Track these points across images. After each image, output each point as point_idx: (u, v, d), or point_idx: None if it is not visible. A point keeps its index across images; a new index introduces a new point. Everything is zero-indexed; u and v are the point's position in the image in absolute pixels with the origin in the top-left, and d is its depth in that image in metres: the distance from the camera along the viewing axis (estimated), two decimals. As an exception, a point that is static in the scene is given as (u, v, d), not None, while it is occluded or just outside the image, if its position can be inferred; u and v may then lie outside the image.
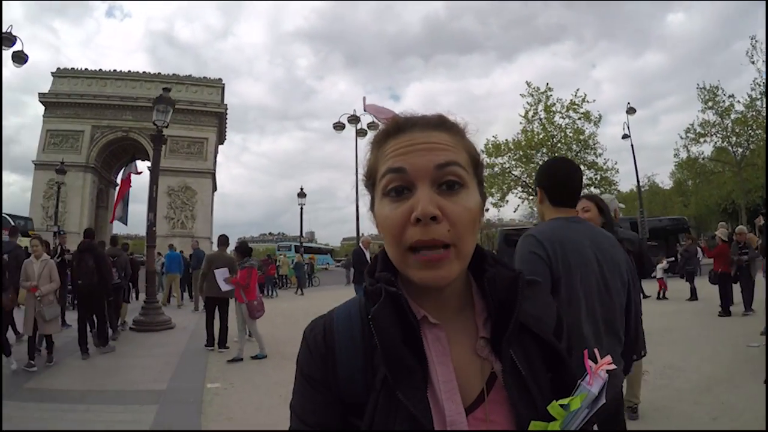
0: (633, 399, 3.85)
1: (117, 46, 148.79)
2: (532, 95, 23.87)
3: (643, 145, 75.64)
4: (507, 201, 25.22)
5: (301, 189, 25.32)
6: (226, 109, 48.91)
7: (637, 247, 3.68)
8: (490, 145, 24.54)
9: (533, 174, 23.98)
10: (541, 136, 23.67)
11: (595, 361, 0.60)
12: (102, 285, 6.93)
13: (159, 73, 47.43)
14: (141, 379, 5.43)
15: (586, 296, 1.64)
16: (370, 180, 0.69)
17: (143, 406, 4.40)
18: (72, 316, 8.60)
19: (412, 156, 0.62)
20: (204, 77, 48.64)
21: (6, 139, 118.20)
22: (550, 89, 23.72)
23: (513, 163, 24.79)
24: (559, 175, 1.85)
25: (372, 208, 0.69)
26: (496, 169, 24.60)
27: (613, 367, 0.59)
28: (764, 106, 23.25)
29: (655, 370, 4.87)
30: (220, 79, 49.49)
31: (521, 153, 24.19)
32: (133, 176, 11.87)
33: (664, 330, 7.11)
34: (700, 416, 3.75)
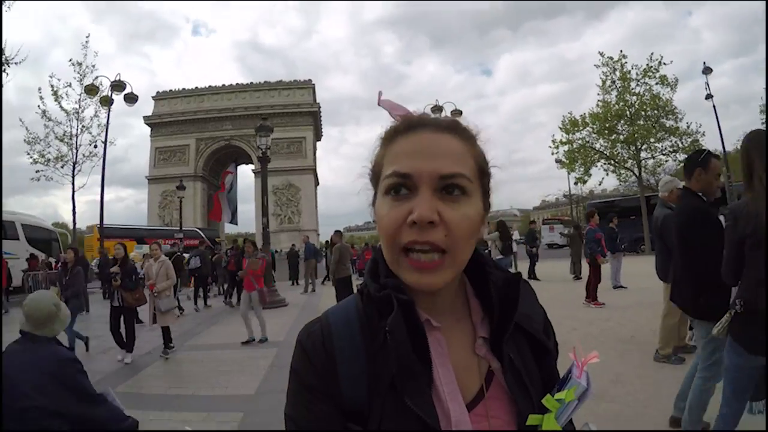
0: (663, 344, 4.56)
1: (208, 61, 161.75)
2: (606, 65, 22.89)
3: (752, 95, 65.34)
4: (590, 175, 24.48)
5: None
6: (319, 107, 50.35)
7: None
8: (567, 122, 24.09)
9: (617, 145, 23.33)
10: (618, 106, 22.73)
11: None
12: None
13: (251, 82, 50.39)
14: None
15: None
16: (375, 176, 0.67)
17: (268, 350, 6.55)
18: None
19: (419, 161, 0.60)
20: (294, 80, 50.45)
21: (117, 160, 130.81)
22: (624, 56, 22.56)
23: (594, 136, 23.98)
24: None
25: (374, 203, 0.68)
26: (575, 144, 24.05)
27: (597, 360, 0.65)
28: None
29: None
30: (310, 80, 51.21)
31: (600, 125, 23.33)
32: (239, 179, 14.30)
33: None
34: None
